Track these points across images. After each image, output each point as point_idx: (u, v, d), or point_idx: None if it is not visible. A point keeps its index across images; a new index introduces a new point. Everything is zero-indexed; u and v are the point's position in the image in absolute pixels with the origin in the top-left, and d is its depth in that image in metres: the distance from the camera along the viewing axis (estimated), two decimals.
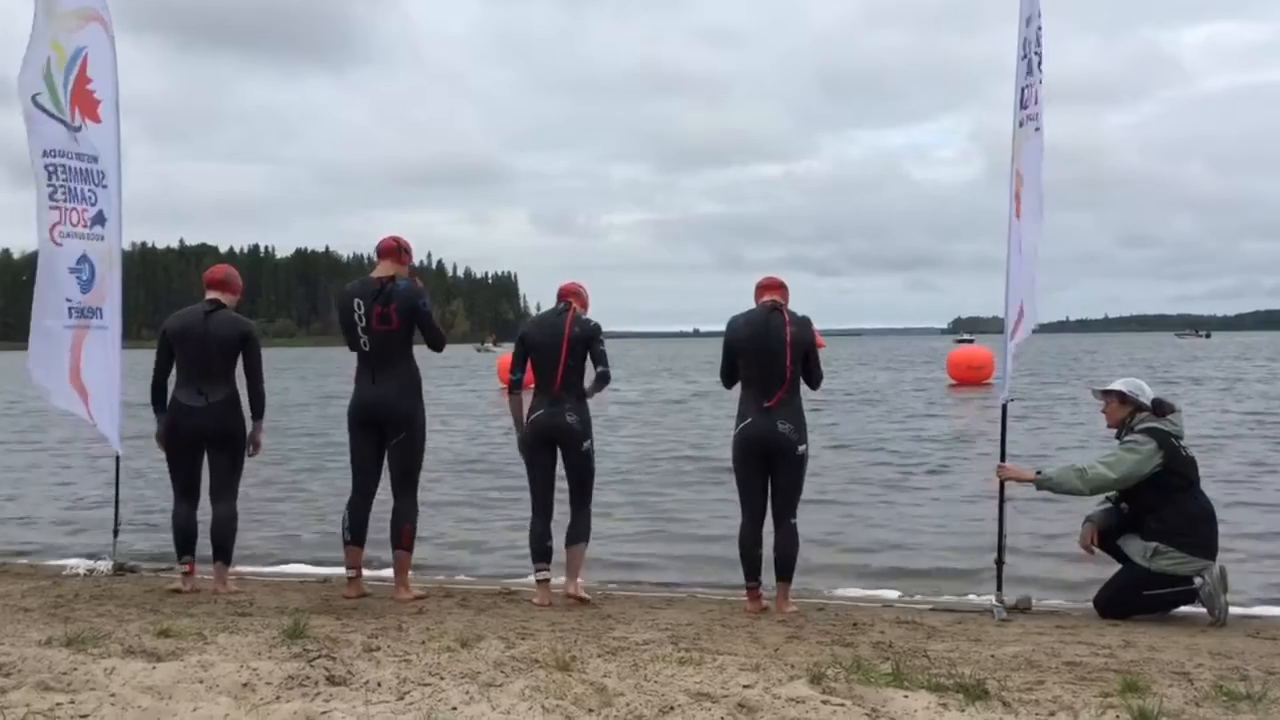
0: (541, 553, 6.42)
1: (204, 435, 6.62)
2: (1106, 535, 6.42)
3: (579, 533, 6.51)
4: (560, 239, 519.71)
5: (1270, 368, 43.88)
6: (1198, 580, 6.03)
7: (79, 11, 7.38)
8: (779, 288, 6.48)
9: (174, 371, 6.70)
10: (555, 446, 6.49)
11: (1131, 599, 6.19)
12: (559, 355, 6.37)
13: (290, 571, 7.91)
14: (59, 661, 4.19)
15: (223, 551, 6.66)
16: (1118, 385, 6.59)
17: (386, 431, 6.40)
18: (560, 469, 6.54)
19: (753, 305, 6.44)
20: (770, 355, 6.15)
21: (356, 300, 6.36)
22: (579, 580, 6.54)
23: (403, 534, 6.44)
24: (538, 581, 6.43)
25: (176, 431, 6.66)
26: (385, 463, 6.50)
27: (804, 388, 6.34)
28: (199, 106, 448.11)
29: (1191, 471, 6.28)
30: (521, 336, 6.63)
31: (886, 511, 10.62)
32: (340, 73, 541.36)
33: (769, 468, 6.24)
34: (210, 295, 6.78)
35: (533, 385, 6.56)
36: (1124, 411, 6.48)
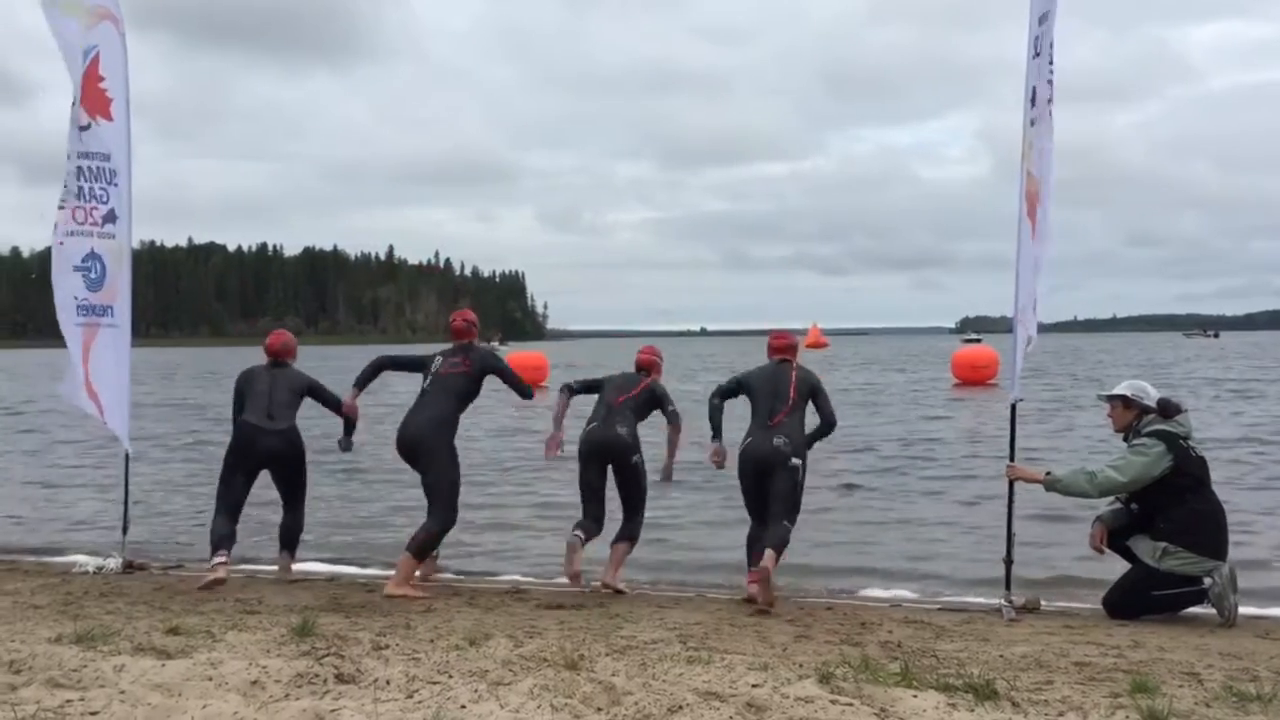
0: (584, 526, 6.85)
1: (274, 456, 7.31)
2: (1116, 535, 6.41)
3: (629, 533, 7.00)
4: (566, 237, 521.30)
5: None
6: (1207, 581, 6.01)
7: (92, 10, 7.41)
8: (791, 349, 7.10)
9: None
10: (607, 461, 6.93)
11: (1140, 599, 6.18)
12: (630, 389, 7.13)
13: (300, 570, 7.91)
14: (69, 658, 4.20)
15: (291, 546, 7.56)
16: (1122, 389, 6.57)
17: (418, 461, 6.95)
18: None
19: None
20: (776, 387, 6.74)
21: (439, 356, 7.28)
22: (618, 573, 6.94)
23: (413, 538, 6.76)
24: (569, 543, 6.75)
25: (248, 449, 7.25)
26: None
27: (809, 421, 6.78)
28: (204, 104, 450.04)
29: (1201, 472, 6.25)
30: (599, 380, 7.39)
31: (893, 512, 10.60)
32: (344, 69, 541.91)
33: (766, 480, 6.56)
34: (272, 359, 7.61)
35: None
36: (1130, 415, 6.46)
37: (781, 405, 6.63)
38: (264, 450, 7.23)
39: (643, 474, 6.96)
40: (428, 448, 6.84)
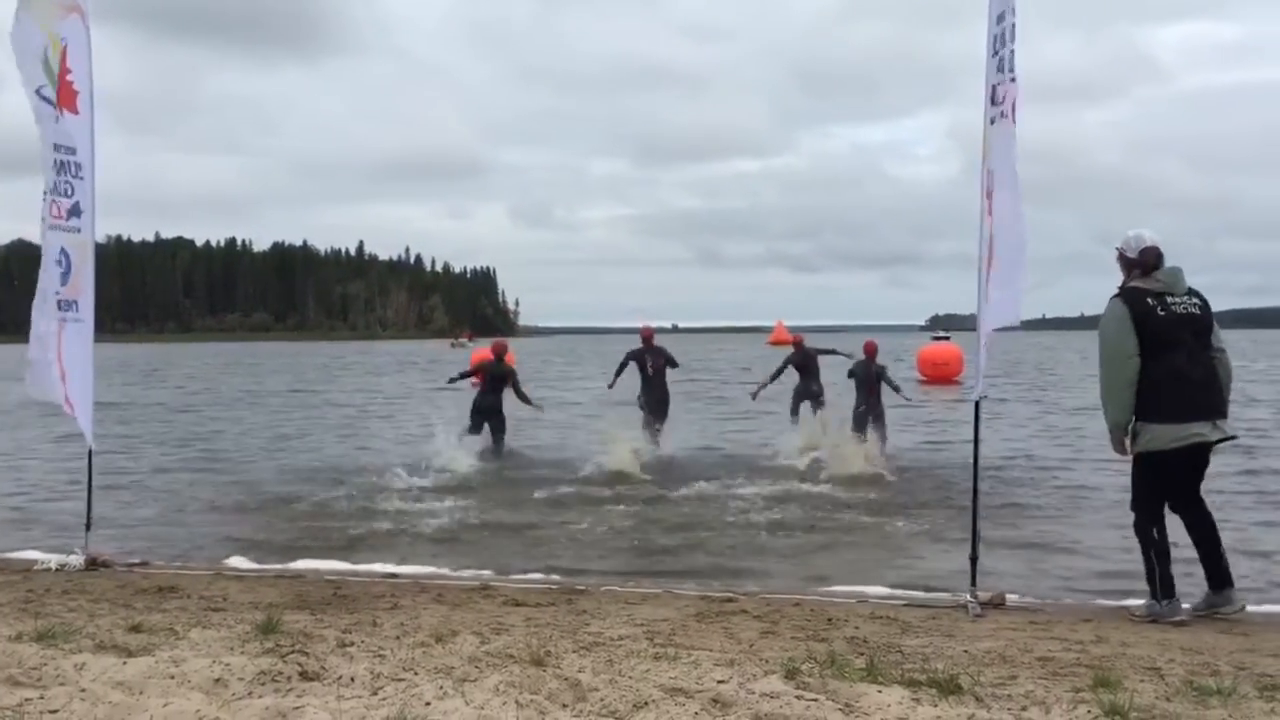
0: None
1: (489, 413, 14.36)
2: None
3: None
4: (538, 233, 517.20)
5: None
6: (1226, 595, 5.93)
7: (60, 1, 7.32)
8: (874, 352, 14.45)
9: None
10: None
11: (1139, 491, 5.98)
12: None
13: (267, 567, 7.87)
14: (28, 656, 4.15)
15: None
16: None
17: (662, 415, 14.76)
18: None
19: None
20: (869, 384, 14.25)
21: (645, 355, 14.85)
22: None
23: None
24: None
25: (478, 408, 14.36)
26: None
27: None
28: (171, 97, 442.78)
29: (1171, 332, 5.72)
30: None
31: (865, 507, 10.64)
32: (312, 63, 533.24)
33: (869, 425, 13.75)
34: (493, 356, 14.83)
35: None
36: (1124, 272, 5.99)
37: (871, 393, 14.18)
38: (482, 410, 14.26)
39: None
40: (667, 407, 14.88)
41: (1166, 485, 5.96)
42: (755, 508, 10.28)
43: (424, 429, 15.38)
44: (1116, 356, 5.81)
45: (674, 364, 15.10)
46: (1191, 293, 5.91)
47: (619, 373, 15.00)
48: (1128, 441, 5.93)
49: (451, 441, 13.31)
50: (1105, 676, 4.20)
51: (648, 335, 15.08)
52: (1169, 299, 5.81)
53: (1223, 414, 5.86)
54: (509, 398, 14.61)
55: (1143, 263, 5.90)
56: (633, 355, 14.96)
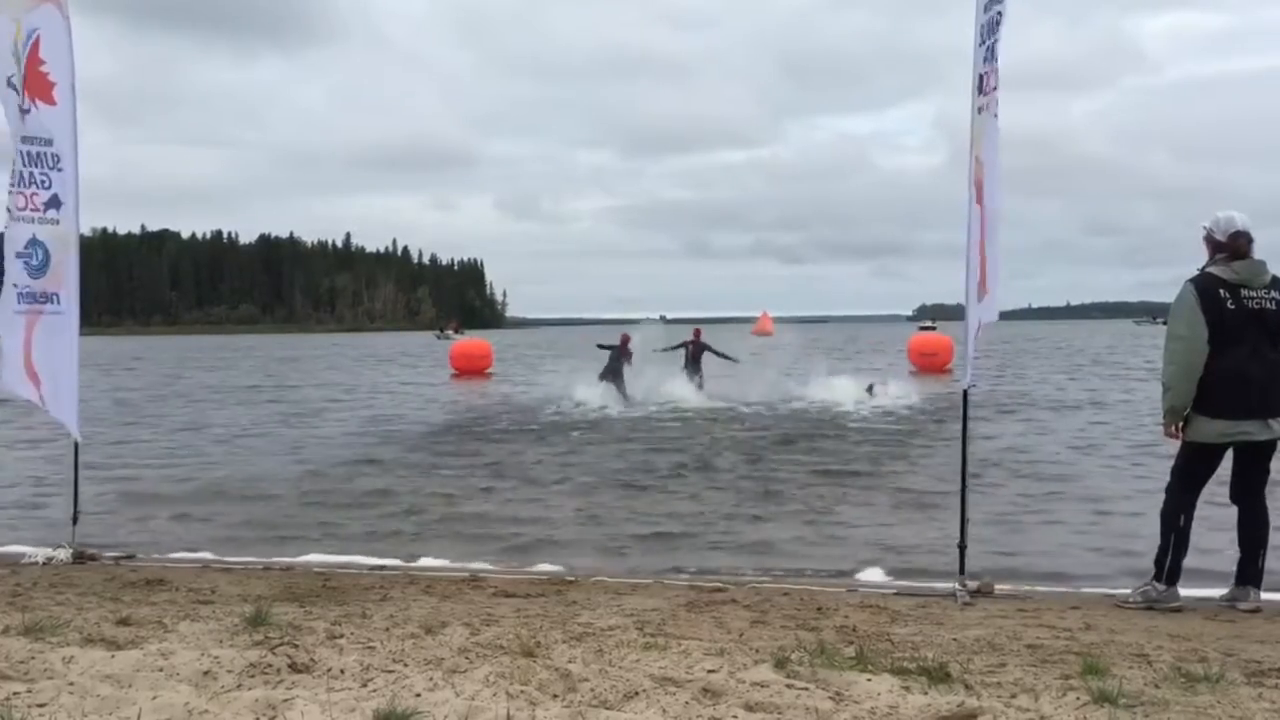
0: None
1: (616, 375, 23.22)
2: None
3: None
4: (526, 225, 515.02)
5: None
6: (1246, 591, 5.92)
7: None
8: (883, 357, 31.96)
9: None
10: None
11: (1174, 474, 5.89)
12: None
13: (256, 560, 7.85)
14: (16, 650, 4.13)
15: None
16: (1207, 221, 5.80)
17: (698, 381, 23.83)
18: None
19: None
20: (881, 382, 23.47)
21: (691, 345, 24.15)
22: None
23: None
24: None
25: (604, 375, 23.25)
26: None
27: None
28: (154, 89, 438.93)
29: (1235, 328, 5.53)
30: None
31: (852, 497, 10.67)
32: (297, 53, 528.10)
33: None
34: (619, 343, 23.86)
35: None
36: (1211, 254, 5.73)
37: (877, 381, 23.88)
38: (608, 375, 22.89)
39: None
40: (702, 377, 23.37)
41: (1206, 477, 5.88)
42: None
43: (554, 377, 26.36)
44: (1184, 344, 5.65)
45: (711, 350, 24.09)
46: (1275, 285, 5.68)
47: (672, 349, 24.14)
48: (1176, 427, 5.79)
49: (593, 383, 22.62)
50: (1094, 663, 4.21)
51: (697, 332, 24.40)
52: (1244, 292, 5.61)
53: None
54: (627, 367, 23.38)
55: (1232, 247, 5.65)
56: (684, 344, 23.88)
